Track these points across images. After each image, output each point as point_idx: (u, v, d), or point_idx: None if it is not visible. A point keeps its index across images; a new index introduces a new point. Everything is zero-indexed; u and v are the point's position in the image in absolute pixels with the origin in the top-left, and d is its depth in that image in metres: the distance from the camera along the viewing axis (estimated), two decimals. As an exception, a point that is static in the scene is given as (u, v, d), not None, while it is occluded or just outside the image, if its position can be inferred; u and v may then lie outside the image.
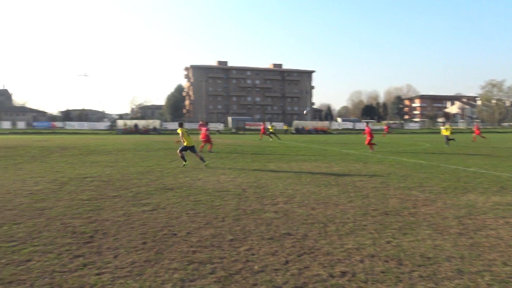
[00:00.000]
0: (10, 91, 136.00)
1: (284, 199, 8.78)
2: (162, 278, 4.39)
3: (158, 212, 7.46)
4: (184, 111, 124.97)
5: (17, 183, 10.72)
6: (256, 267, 4.75)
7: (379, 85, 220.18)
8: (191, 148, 14.90)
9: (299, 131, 65.65)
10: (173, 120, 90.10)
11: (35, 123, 76.45)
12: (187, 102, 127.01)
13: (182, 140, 14.89)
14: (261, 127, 37.90)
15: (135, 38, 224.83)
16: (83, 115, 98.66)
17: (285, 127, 70.76)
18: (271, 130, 37.39)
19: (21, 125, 73.13)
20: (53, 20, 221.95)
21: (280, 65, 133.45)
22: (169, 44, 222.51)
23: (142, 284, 4.22)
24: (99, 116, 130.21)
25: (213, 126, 66.59)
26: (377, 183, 11.07)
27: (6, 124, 72.12)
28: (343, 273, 4.60)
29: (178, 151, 15.15)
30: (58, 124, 75.06)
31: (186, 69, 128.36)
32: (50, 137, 42.60)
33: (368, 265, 4.85)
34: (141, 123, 62.25)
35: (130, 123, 62.47)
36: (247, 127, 72.73)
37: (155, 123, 64.35)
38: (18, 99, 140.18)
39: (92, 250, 5.31)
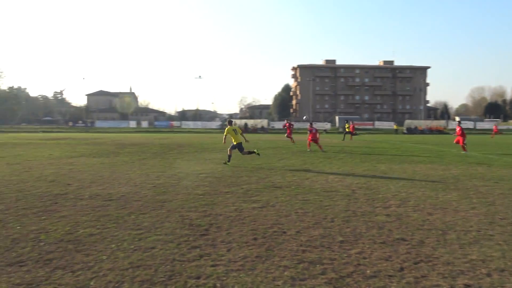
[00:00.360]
0: (136, 93, 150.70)
1: (397, 202, 8.33)
2: (273, 274, 4.45)
3: (268, 210, 7.61)
4: (291, 110, 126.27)
5: (142, 176, 11.81)
6: (368, 271, 4.57)
7: (506, 80, 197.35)
8: (238, 146, 15.15)
9: (411, 131, 62.08)
10: (280, 120, 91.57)
11: (156, 123, 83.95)
12: (294, 102, 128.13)
13: (231, 139, 15.35)
14: (351, 127, 36.33)
15: (244, 41, 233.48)
16: (197, 115, 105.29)
17: (395, 127, 67.39)
18: (347, 130, 35.79)
19: (144, 124, 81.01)
20: (173, 27, 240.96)
21: (391, 62, 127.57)
22: (277, 45, 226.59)
23: (254, 279, 4.33)
24: (211, 115, 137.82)
25: (320, 125, 66.18)
26: (504, 189, 9.94)
27: (133, 123, 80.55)
28: (467, 286, 4.20)
29: (228, 149, 15.41)
30: (176, 123, 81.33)
31: (294, 69, 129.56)
32: (168, 135, 46.31)
33: (496, 280, 4.35)
34: (250, 122, 64.45)
35: (240, 122, 65.09)
36: (355, 126, 70.75)
37: (263, 122, 66.21)
38: (142, 101, 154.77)
39: (207, 242, 5.60)
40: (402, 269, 4.66)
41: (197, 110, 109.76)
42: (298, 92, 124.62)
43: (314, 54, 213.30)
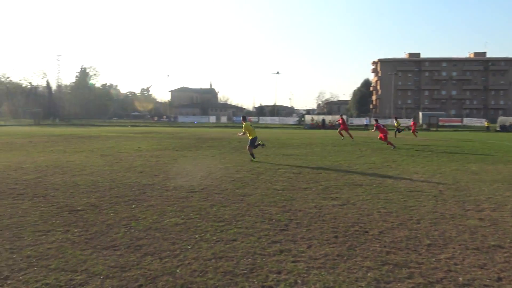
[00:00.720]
0: (216, 90, 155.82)
1: (491, 206, 7.67)
2: (355, 275, 4.32)
3: (348, 208, 7.41)
4: (371, 106, 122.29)
5: (222, 170, 12.15)
6: (460, 279, 4.25)
7: None
8: (252, 140, 15.02)
9: (505, 128, 56.95)
10: (358, 116, 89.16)
11: (234, 118, 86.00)
12: (374, 97, 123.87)
13: (246, 134, 15.18)
14: (412, 124, 33.24)
15: (322, 36, 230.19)
16: (275, 110, 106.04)
17: (486, 124, 62.25)
18: (397, 127, 32.52)
19: (223, 119, 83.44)
20: (252, 24, 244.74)
21: (483, 54, 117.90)
22: (356, 38, 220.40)
23: (336, 278, 4.23)
24: (288, 111, 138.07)
25: (402, 122, 63.24)
26: None
27: (212, 119, 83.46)
28: None
29: (248, 147, 15.20)
30: (254, 118, 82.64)
31: (374, 63, 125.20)
32: (247, 130, 47.16)
33: None
34: (328, 118, 63.44)
35: (317, 118, 64.41)
36: (441, 123, 66.55)
37: (341, 118, 64.80)
38: (222, 97, 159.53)
39: (287, 238, 5.59)
40: (500, 279, 4.27)
41: (274, 106, 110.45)
42: (378, 87, 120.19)
43: (396, 47, 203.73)
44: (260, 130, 46.71)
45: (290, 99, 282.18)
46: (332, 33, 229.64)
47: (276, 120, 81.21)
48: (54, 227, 5.97)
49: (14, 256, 4.77)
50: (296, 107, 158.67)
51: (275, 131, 44.38)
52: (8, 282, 4.06)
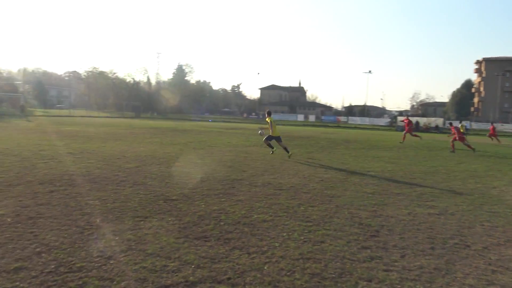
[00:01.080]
0: (305, 88, 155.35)
1: None
2: (455, 292, 3.96)
3: (446, 218, 6.87)
4: (472, 109, 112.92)
5: (310, 169, 12.01)
6: None
7: None
8: (277, 138, 15.22)
9: None
10: (458, 119, 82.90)
11: (323, 117, 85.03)
12: (476, 100, 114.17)
13: (270, 129, 15.12)
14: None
15: (416, 34, 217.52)
16: (365, 110, 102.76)
17: None
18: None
19: (311, 118, 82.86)
20: (342, 22, 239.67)
21: None
22: (457, 36, 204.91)
23: (433, 293, 3.92)
24: (379, 112, 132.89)
25: (509, 127, 57.68)
26: None
27: (300, 117, 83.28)
28: None
29: (264, 140, 15.51)
30: (343, 118, 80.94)
31: (478, 62, 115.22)
32: (335, 130, 46.34)
33: None
34: (422, 120, 59.86)
35: (411, 119, 61.04)
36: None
37: (437, 121, 60.76)
38: (310, 95, 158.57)
39: (378, 244, 5.32)
40: None
41: (365, 106, 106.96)
42: (481, 88, 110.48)
43: (504, 45, 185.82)
44: (349, 131, 45.60)
45: (381, 99, 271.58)
46: (430, 30, 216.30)
47: (366, 120, 78.63)
48: (151, 214, 6.35)
49: (116, 238, 5.14)
50: (388, 108, 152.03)
51: (365, 132, 42.97)
52: (111, 262, 4.37)
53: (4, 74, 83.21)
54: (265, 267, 4.39)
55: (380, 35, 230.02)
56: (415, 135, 27.49)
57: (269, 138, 15.36)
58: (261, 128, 16.10)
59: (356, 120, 78.98)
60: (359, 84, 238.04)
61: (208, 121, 62.53)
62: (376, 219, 6.58)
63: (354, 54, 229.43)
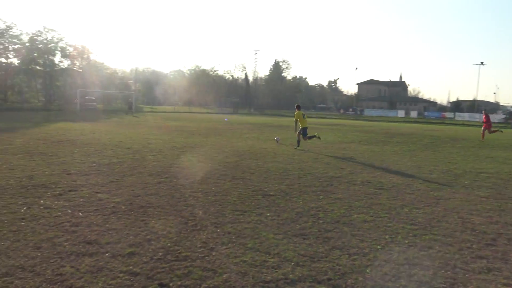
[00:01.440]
0: (406, 82, 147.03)
1: None
2: None
3: None
4: None
5: (413, 168, 11.30)
6: None
7: None
8: (304, 129, 15.34)
9: None
10: None
11: (425, 113, 79.94)
12: None
13: (299, 124, 15.43)
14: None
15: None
16: (475, 106, 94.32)
17: None
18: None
19: (413, 114, 78.39)
20: (444, 12, 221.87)
21: None
22: None
23: None
24: (491, 107, 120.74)
25: None
26: None
27: (401, 113, 79.21)
28: None
29: (297, 133, 15.69)
30: (448, 114, 75.30)
31: None
32: (439, 127, 43.18)
33: None
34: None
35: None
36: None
37: None
38: (412, 90, 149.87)
39: (496, 254, 4.79)
40: None
41: (474, 101, 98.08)
42: None
43: None
44: (456, 128, 42.18)
45: (495, 93, 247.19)
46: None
47: (476, 117, 72.03)
48: (250, 208, 6.46)
49: (218, 230, 5.32)
50: (502, 103, 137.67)
51: (474, 129, 39.37)
52: (213, 253, 4.52)
53: (119, 74, 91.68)
54: (367, 270, 4.19)
55: (492, 24, 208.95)
56: (494, 131, 25.44)
57: (304, 132, 15.49)
58: (278, 138, 17.33)
59: (464, 116, 72.95)
60: (468, 77, 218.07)
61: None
62: (491, 226, 5.94)
63: (462, 45, 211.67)
